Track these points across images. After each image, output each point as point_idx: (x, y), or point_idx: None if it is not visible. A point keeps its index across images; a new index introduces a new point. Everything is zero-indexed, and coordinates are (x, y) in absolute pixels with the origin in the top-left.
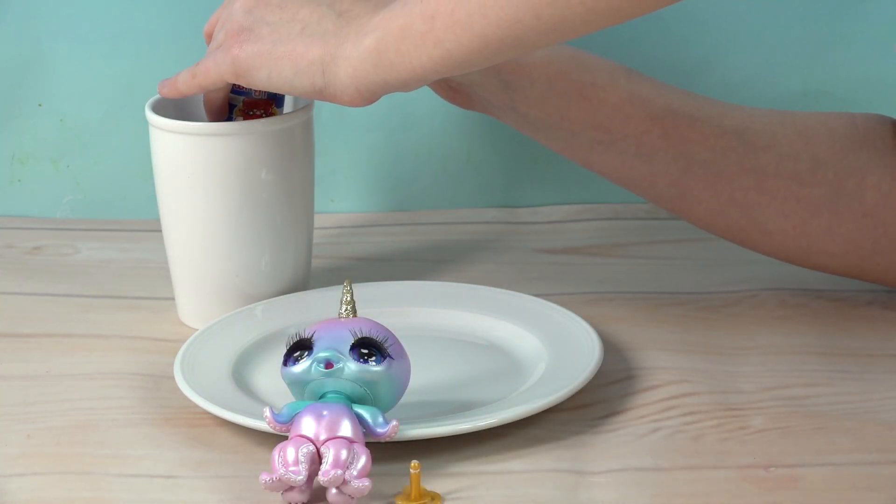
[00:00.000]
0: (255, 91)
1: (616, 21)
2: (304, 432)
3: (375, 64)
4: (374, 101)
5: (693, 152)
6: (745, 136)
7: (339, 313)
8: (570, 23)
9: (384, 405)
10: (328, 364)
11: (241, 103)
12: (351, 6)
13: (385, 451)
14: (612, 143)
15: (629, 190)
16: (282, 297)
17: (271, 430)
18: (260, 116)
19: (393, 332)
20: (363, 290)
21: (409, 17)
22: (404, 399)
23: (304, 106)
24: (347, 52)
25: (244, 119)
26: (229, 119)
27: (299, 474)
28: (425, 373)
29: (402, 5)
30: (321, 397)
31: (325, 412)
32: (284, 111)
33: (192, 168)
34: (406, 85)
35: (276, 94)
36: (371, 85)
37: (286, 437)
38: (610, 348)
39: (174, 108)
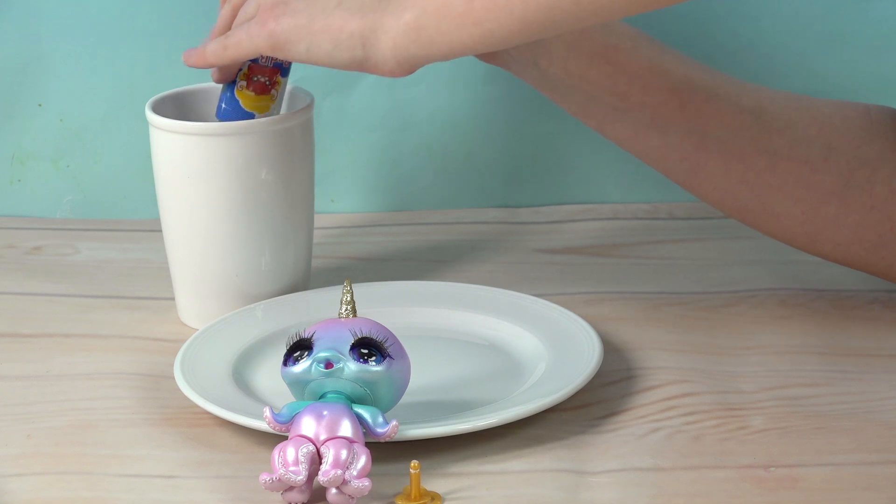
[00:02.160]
0: (262, 57)
1: (656, 6)
2: (304, 432)
3: (415, 39)
4: (414, 72)
5: (708, 128)
6: (762, 117)
7: (339, 313)
8: (609, 8)
9: (384, 405)
10: (328, 364)
11: (246, 67)
12: None
13: (385, 451)
14: (628, 111)
15: (641, 160)
16: (282, 297)
17: (271, 430)
18: (264, 84)
19: (393, 332)
20: (363, 290)
21: None
22: (404, 399)
23: (305, 106)
24: (387, 26)
25: (247, 84)
26: (233, 83)
27: (299, 474)
28: (425, 373)
29: None
30: (321, 397)
31: (325, 412)
32: (284, 105)
33: (192, 168)
34: (447, 58)
35: (281, 63)
36: (411, 59)
37: (286, 437)
38: (610, 348)
39: (174, 108)
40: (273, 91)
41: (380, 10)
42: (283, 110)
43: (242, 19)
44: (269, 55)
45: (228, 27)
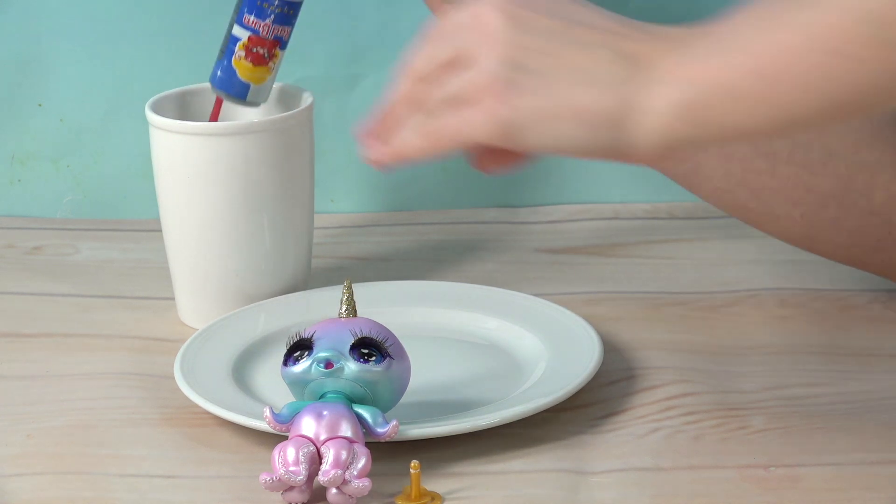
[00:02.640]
0: (263, 28)
1: None
2: (304, 432)
3: (687, 120)
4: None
5: None
6: None
7: (339, 313)
8: None
9: (384, 405)
10: (328, 364)
11: (246, 38)
12: (636, 46)
13: (385, 451)
14: None
15: None
16: (282, 297)
17: (271, 430)
18: (262, 56)
19: (393, 332)
20: (363, 290)
21: (728, 71)
22: (404, 399)
23: (305, 106)
24: (648, 104)
25: (245, 54)
26: (231, 51)
27: (299, 474)
28: (425, 373)
29: (714, 51)
30: (321, 397)
31: (325, 412)
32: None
33: (192, 168)
34: (725, 142)
35: (282, 37)
36: (678, 142)
37: (286, 437)
38: (610, 348)
39: (174, 108)
40: (271, 63)
41: (633, 83)
42: (282, 110)
43: (444, 100)
44: (494, 144)
45: (407, 109)
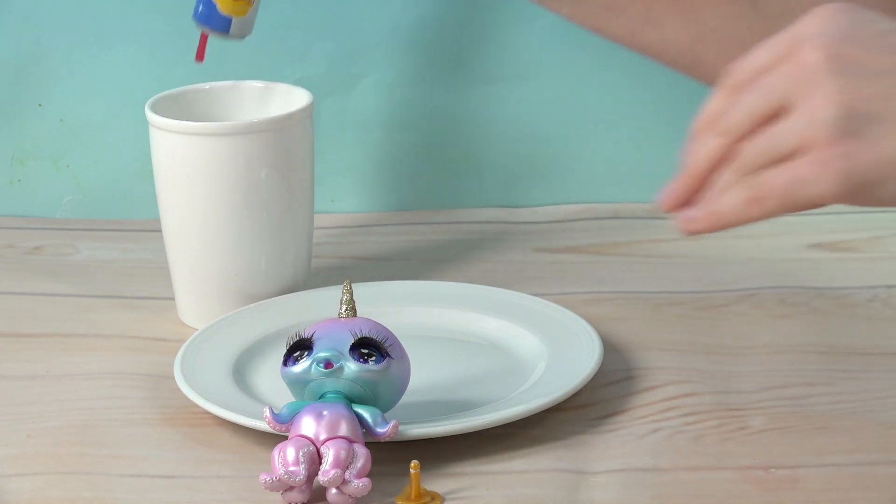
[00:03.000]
0: None
1: None
2: (303, 432)
3: None
4: None
5: (704, 19)
6: (757, 4)
7: (339, 313)
8: None
9: (384, 405)
10: (328, 364)
11: None
12: None
13: (385, 451)
14: (622, 10)
15: (642, 55)
16: (282, 297)
17: (271, 430)
18: None
19: (393, 332)
20: (363, 290)
21: None
22: (404, 399)
23: (305, 106)
24: None
25: None
26: None
27: (299, 474)
28: (425, 373)
29: None
30: (321, 397)
31: (324, 412)
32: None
33: (192, 168)
34: None
35: None
36: None
37: (286, 437)
38: (610, 348)
39: (174, 108)
40: None
41: None
42: (282, 110)
43: (765, 155)
44: (833, 202)
45: (720, 169)
